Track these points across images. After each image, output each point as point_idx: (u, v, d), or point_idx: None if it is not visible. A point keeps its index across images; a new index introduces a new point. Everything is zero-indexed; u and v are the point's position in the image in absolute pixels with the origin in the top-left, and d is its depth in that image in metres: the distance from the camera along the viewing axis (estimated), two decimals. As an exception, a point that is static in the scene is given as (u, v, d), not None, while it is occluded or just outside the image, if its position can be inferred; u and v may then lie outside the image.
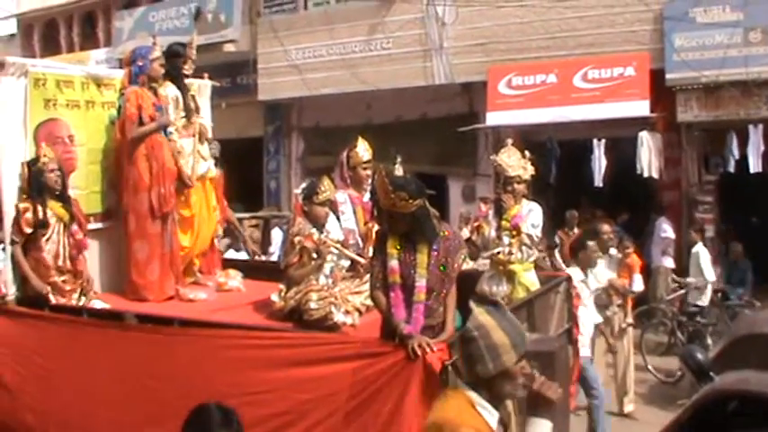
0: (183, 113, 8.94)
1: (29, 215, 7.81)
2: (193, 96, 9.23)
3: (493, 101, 17.36)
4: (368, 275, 7.01)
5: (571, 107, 16.38)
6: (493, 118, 17.34)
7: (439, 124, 18.39)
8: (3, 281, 8.11)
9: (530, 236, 8.08)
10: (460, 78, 17.99)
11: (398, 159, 8.39)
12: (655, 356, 13.25)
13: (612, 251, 10.95)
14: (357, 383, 5.70)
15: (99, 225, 8.76)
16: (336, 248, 7.60)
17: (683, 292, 14.45)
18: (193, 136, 8.98)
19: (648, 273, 14.58)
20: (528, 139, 15.67)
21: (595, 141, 16.12)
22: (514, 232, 8.09)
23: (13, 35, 28.44)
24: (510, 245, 8.07)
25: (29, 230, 7.82)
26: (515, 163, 8.28)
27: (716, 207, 16.29)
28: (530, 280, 8.07)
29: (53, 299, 7.83)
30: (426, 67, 18.20)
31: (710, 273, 12.89)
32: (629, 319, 11.03)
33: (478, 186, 18.25)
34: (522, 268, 8.04)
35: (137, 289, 8.46)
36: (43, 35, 26.96)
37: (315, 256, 7.40)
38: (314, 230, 7.50)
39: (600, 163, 16.09)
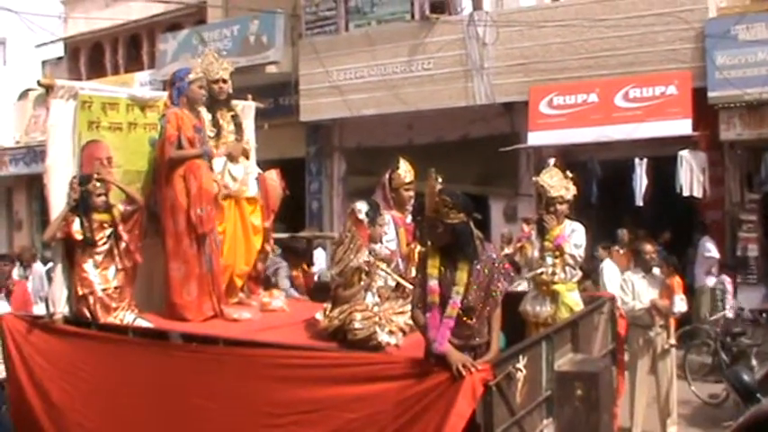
0: (210, 133, 8.98)
1: (76, 226, 8.04)
2: (234, 117, 9.28)
3: (534, 121, 17.32)
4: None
5: (613, 126, 16.28)
6: (534, 138, 17.30)
7: (480, 144, 18.37)
8: (51, 300, 8.29)
9: (573, 256, 8.14)
10: (501, 98, 17.94)
11: (439, 180, 8.45)
12: (698, 377, 13.12)
13: (655, 270, 10.89)
14: (402, 403, 5.76)
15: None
16: (384, 270, 7.64)
17: (727, 312, 14.37)
18: (226, 156, 9.03)
19: (692, 292, 14.47)
20: (569, 158, 15.65)
21: (637, 160, 15.97)
22: (557, 252, 8.16)
23: (60, 58, 28.90)
24: (553, 265, 8.13)
25: (80, 237, 8.01)
26: (557, 183, 8.34)
27: (759, 226, 16.10)
28: (573, 300, 8.13)
29: (100, 317, 7.98)
30: (467, 87, 18.17)
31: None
32: (672, 340, 10.93)
33: (520, 206, 18.20)
34: (565, 288, 8.09)
35: (174, 309, 8.53)
36: (89, 58, 27.39)
37: (364, 276, 7.46)
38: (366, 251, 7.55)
39: (641, 182, 15.96)
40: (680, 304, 10.82)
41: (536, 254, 8.31)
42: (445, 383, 5.56)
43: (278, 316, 8.66)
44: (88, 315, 8.07)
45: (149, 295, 8.77)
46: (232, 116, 9.21)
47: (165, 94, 9.05)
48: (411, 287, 7.50)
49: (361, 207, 7.60)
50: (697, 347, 13.81)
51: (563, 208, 8.36)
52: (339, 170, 21.69)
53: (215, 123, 9.03)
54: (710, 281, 15.47)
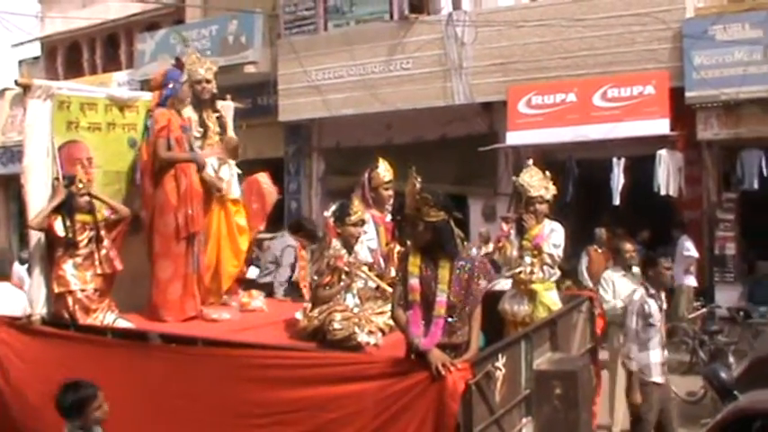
0: (197, 134, 8.96)
1: (59, 224, 7.99)
2: (219, 117, 9.22)
3: (512, 120, 17.38)
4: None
5: (591, 126, 16.36)
6: (512, 137, 17.36)
7: (459, 144, 18.42)
8: (29, 300, 8.26)
9: (551, 255, 8.16)
10: (480, 98, 18.02)
11: (418, 179, 8.44)
12: (676, 375, 13.16)
13: (635, 269, 10.92)
14: (381, 402, 5.77)
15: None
16: (364, 273, 7.69)
17: (704, 310, 14.44)
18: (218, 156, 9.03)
19: (671, 291, 14.51)
20: (548, 158, 15.71)
21: (615, 160, 16.05)
22: (536, 252, 8.17)
23: (36, 58, 28.80)
24: (532, 264, 8.14)
25: (62, 234, 7.98)
26: (537, 183, 8.37)
27: (736, 225, 16.19)
28: (551, 299, 8.14)
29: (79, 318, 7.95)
30: (446, 87, 18.22)
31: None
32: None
33: (499, 206, 18.23)
34: (543, 288, 8.11)
35: (156, 308, 8.51)
36: (66, 57, 27.31)
37: (344, 277, 7.48)
38: (344, 252, 7.58)
39: (618, 181, 16.04)
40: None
41: (515, 253, 8.31)
42: (425, 382, 5.56)
43: (257, 316, 8.65)
44: (67, 316, 8.00)
45: (130, 295, 8.68)
46: (217, 117, 9.16)
47: (144, 94, 9.06)
48: (390, 289, 7.54)
49: (331, 207, 7.80)
50: (675, 345, 13.86)
51: (542, 207, 8.37)
52: (318, 170, 21.70)
53: (201, 123, 9.00)
54: (689, 280, 15.54)
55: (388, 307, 7.06)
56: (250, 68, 20.77)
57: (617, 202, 16.07)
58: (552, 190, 8.44)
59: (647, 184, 15.66)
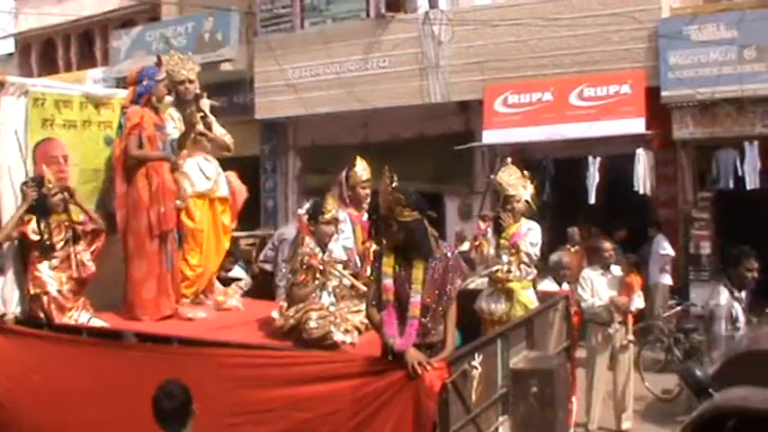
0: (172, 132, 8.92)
1: (32, 228, 7.92)
2: (204, 117, 9.12)
3: (489, 119, 17.38)
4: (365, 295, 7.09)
5: (567, 125, 16.37)
6: (489, 136, 17.35)
7: (435, 142, 18.39)
8: (2, 300, 8.11)
9: (528, 254, 8.18)
10: (456, 97, 18.04)
11: (394, 178, 8.44)
12: (652, 373, 13.22)
13: (613, 268, 10.97)
14: (357, 402, 5.75)
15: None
16: (337, 271, 7.66)
17: (680, 309, 14.49)
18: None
19: (646, 289, 14.57)
20: (524, 157, 15.74)
21: (590, 159, 16.07)
22: (513, 250, 8.19)
23: (10, 54, 28.64)
24: (509, 263, 8.16)
25: (35, 237, 7.90)
26: (515, 182, 8.40)
27: (712, 224, 16.27)
28: (528, 298, 8.16)
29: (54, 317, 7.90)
30: (422, 85, 18.22)
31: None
32: (630, 336, 11.01)
33: (475, 204, 18.24)
34: (520, 286, 8.13)
35: (132, 307, 8.47)
36: (41, 54, 27.14)
37: (318, 275, 7.45)
38: (318, 250, 7.55)
39: (594, 180, 16.08)
40: (638, 301, 10.93)
41: (492, 251, 8.33)
42: (401, 381, 5.55)
43: (233, 315, 8.64)
44: (42, 315, 7.95)
45: (106, 294, 8.63)
46: (201, 116, 9.08)
47: (120, 91, 9.04)
48: (365, 288, 7.52)
49: (305, 205, 7.81)
50: (651, 344, 13.94)
51: (520, 206, 8.40)
52: (294, 168, 21.66)
53: (185, 123, 8.96)
54: (665, 278, 15.61)
55: (364, 306, 7.07)
56: (226, 66, 20.76)
57: (592, 200, 16.09)
58: (530, 189, 8.47)
59: (623, 184, 15.73)
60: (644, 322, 13.89)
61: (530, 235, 8.30)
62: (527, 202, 8.45)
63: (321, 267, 7.47)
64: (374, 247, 8.31)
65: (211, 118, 9.28)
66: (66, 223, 8.13)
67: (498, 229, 8.37)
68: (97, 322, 8.06)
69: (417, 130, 19.06)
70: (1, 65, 27.49)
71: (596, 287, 10.66)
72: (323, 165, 18.77)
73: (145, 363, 6.93)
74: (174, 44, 19.97)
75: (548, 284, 9.90)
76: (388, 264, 5.99)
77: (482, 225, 8.70)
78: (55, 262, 8.03)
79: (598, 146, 16.10)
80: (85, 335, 7.65)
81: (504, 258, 8.19)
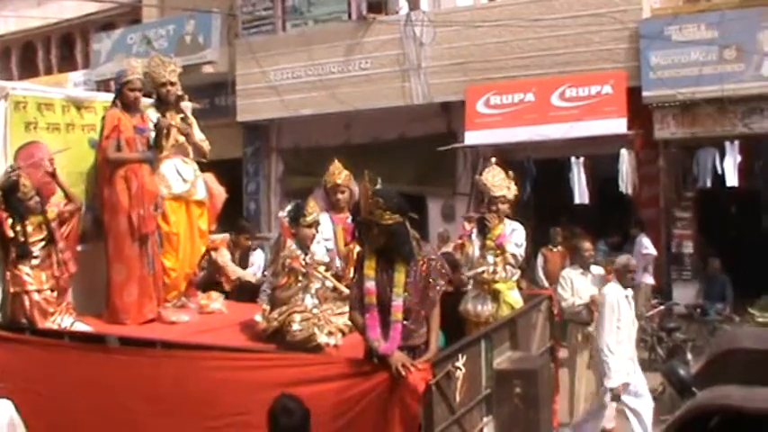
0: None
1: (10, 222, 7.85)
2: (184, 118, 9.07)
3: (471, 120, 17.40)
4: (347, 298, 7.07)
5: (549, 125, 16.41)
6: (471, 137, 17.38)
7: (417, 144, 18.40)
8: None
9: (514, 255, 8.23)
10: (438, 98, 18.04)
11: (378, 180, 8.45)
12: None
13: (593, 268, 11.00)
14: (341, 404, 5.75)
15: (77, 248, 8.62)
16: (320, 274, 7.64)
17: (662, 308, 14.54)
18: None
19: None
20: (506, 157, 15.73)
21: (573, 159, 16.11)
22: (499, 251, 8.23)
23: (-10, 57, 28.40)
24: (495, 264, 8.19)
25: (11, 234, 7.83)
26: (500, 183, 8.44)
27: (694, 223, 16.35)
28: (514, 298, 8.21)
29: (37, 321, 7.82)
30: (404, 87, 18.24)
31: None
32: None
33: (457, 206, 18.27)
34: (506, 287, 8.17)
35: (114, 311, 8.43)
36: (21, 57, 26.96)
37: (301, 278, 7.43)
38: (299, 252, 7.54)
39: (580, 181, 16.10)
40: None
41: (477, 252, 8.36)
42: (385, 383, 5.56)
43: (216, 318, 8.61)
44: (24, 319, 7.88)
45: (90, 298, 8.62)
46: (182, 118, 9.03)
47: (101, 94, 9.02)
48: (347, 290, 7.50)
49: (286, 208, 7.84)
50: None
51: (504, 207, 8.43)
52: (276, 170, 21.60)
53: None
54: (647, 278, 15.65)
55: (347, 308, 7.06)
56: (208, 68, 20.65)
57: (581, 200, 16.12)
58: (514, 190, 8.51)
59: (605, 184, 15.80)
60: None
61: (514, 236, 8.35)
62: (510, 202, 8.49)
63: (304, 270, 7.46)
64: (358, 248, 8.33)
65: (192, 120, 9.25)
66: (44, 224, 8.04)
67: (483, 230, 8.39)
68: (80, 326, 8.00)
69: (400, 131, 19.04)
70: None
71: (576, 287, 10.68)
72: (305, 167, 18.79)
73: (128, 367, 6.87)
74: (155, 46, 19.94)
75: (613, 286, 9.75)
76: (369, 266, 5.99)
77: (467, 226, 8.71)
78: (35, 261, 7.95)
79: (580, 146, 16.13)
80: (68, 339, 7.54)
81: (490, 259, 8.22)
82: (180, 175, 8.89)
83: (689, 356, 11.92)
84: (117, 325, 8.22)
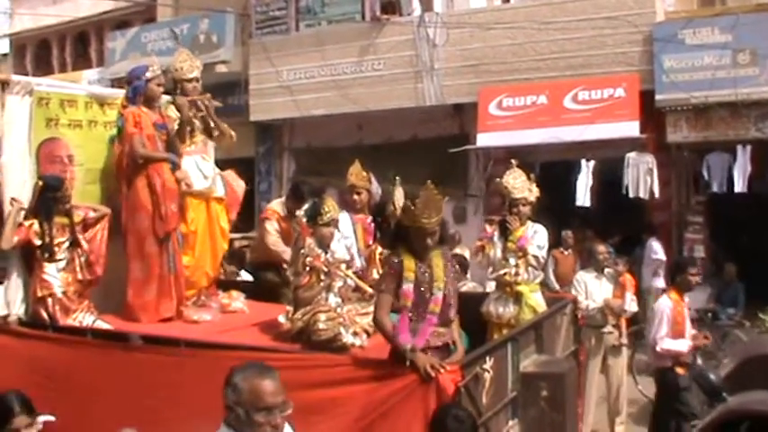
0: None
1: (35, 228, 7.83)
2: (204, 117, 8.99)
3: (483, 122, 17.39)
4: (371, 298, 7.08)
5: (561, 128, 16.40)
6: (483, 139, 17.37)
7: (429, 145, 18.39)
8: (5, 301, 8.01)
9: (536, 257, 8.23)
10: (451, 99, 18.07)
11: (398, 180, 8.49)
12: (645, 376, 13.22)
13: (608, 271, 11.02)
14: (369, 405, 5.73)
15: (103, 251, 8.50)
16: (342, 272, 7.61)
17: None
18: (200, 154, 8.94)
19: (640, 293, 14.60)
20: (518, 160, 15.69)
21: (584, 162, 16.14)
22: (521, 254, 8.21)
23: (5, 55, 28.66)
24: (516, 266, 8.17)
25: (38, 242, 7.83)
26: (521, 185, 8.43)
27: (705, 227, 16.36)
28: (536, 301, 8.17)
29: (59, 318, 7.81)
30: (417, 88, 18.25)
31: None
32: (624, 339, 11.05)
33: (469, 207, 18.31)
34: (528, 289, 8.14)
35: (133, 309, 8.37)
36: (36, 55, 27.07)
37: (323, 276, 7.38)
38: (320, 251, 7.50)
39: (587, 183, 16.11)
40: (631, 303, 10.96)
41: (499, 255, 8.33)
42: (413, 385, 5.53)
43: (238, 317, 8.56)
44: (46, 317, 7.85)
45: (109, 296, 8.56)
46: (201, 116, 8.98)
47: (123, 91, 8.84)
48: (370, 290, 7.49)
49: (304, 207, 7.77)
50: (644, 347, 13.93)
51: (526, 209, 8.43)
52: (289, 170, 21.62)
53: (187, 122, 8.84)
54: (658, 282, 15.64)
55: (372, 308, 7.03)
56: (221, 68, 20.63)
57: (583, 203, 16.13)
58: (536, 192, 8.51)
59: (618, 187, 15.78)
60: (637, 326, 13.91)
61: (536, 238, 8.35)
62: (532, 204, 8.48)
63: (326, 269, 7.41)
64: (380, 249, 8.34)
65: (211, 117, 9.12)
66: (68, 227, 8.04)
67: (505, 233, 8.36)
68: (102, 324, 7.97)
69: (412, 132, 19.08)
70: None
71: (590, 290, 10.71)
72: (317, 167, 18.83)
73: (151, 365, 6.87)
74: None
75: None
76: (409, 269, 5.92)
77: (488, 229, 8.65)
78: (61, 264, 7.96)
79: (592, 149, 16.16)
80: (90, 337, 7.52)
81: (512, 261, 8.20)
82: (201, 172, 8.85)
83: (699, 360, 11.87)
84: (134, 323, 8.16)
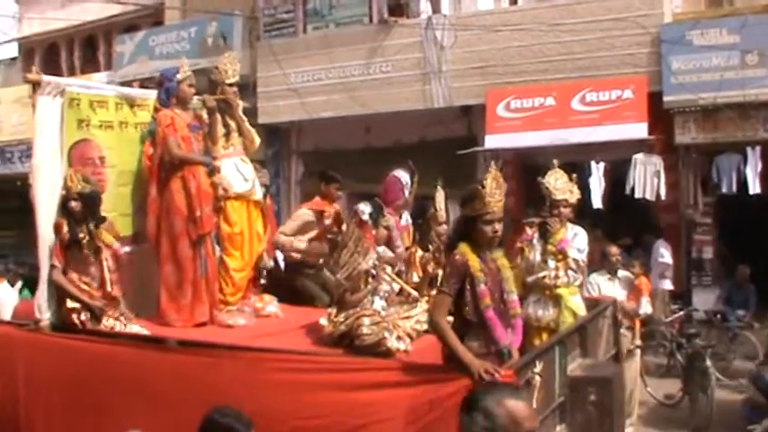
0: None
1: (65, 230, 7.73)
2: (233, 115, 8.96)
3: (491, 124, 17.46)
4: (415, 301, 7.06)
5: (569, 130, 16.46)
6: (491, 141, 17.43)
7: (438, 147, 18.34)
8: (37, 306, 7.87)
9: (576, 260, 8.17)
10: (459, 101, 18.15)
11: (439, 183, 8.49)
12: (654, 378, 13.27)
13: (621, 273, 11.03)
14: (417, 409, 5.66)
15: (127, 248, 8.52)
16: (388, 276, 7.53)
17: (682, 314, 14.58)
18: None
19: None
20: (526, 161, 15.89)
21: (593, 163, 16.15)
22: (560, 256, 8.17)
23: (14, 59, 28.63)
24: (556, 268, 8.13)
25: (67, 235, 7.71)
26: (562, 186, 8.39)
27: (714, 229, 16.43)
28: (576, 304, 8.12)
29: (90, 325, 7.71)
30: (425, 90, 18.32)
31: None
32: (638, 341, 11.05)
33: (478, 209, 18.30)
34: (568, 292, 8.09)
35: (166, 314, 8.25)
36: (44, 59, 26.92)
37: (370, 280, 7.29)
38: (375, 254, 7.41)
39: (600, 185, 16.15)
40: (646, 306, 10.98)
41: (538, 257, 8.27)
42: (466, 390, 5.21)
43: (273, 322, 8.42)
44: (77, 322, 7.73)
45: (142, 300, 8.46)
46: (240, 117, 8.98)
47: (154, 92, 8.81)
48: (415, 293, 7.46)
49: (365, 209, 7.49)
50: (653, 348, 14.02)
51: (567, 211, 8.39)
52: (297, 173, 21.68)
53: (225, 124, 8.82)
54: (665, 284, 15.70)
55: (415, 311, 7.03)
56: (229, 70, 20.58)
57: (598, 205, 16.16)
58: (576, 194, 8.47)
59: (619, 188, 15.85)
60: (646, 327, 13.94)
61: (576, 240, 8.29)
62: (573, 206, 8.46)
63: (374, 272, 7.31)
64: (420, 252, 8.33)
65: (241, 119, 9.10)
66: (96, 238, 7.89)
67: (544, 235, 8.32)
68: (135, 329, 7.86)
69: (420, 134, 19.06)
70: (4, 69, 27.50)
71: (603, 292, 10.65)
72: (325, 169, 18.75)
73: (188, 369, 6.80)
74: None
75: None
76: (477, 268, 5.82)
77: (528, 231, 8.60)
78: (86, 279, 7.83)
79: (600, 151, 16.20)
80: (123, 341, 7.42)
81: (552, 264, 8.15)
82: (241, 174, 8.78)
83: (708, 363, 11.93)
84: (167, 327, 8.03)
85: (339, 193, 9.69)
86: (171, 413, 6.75)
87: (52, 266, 7.74)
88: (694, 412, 11.59)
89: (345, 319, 7.02)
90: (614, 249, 11.14)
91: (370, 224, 7.54)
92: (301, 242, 9.25)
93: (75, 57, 26.45)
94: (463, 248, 5.89)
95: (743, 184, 15.36)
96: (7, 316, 9.93)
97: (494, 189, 5.81)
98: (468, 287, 5.82)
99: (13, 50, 28.68)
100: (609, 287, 10.74)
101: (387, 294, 7.48)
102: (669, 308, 15.33)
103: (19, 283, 14.38)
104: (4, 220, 24.71)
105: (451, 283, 5.83)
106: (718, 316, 14.93)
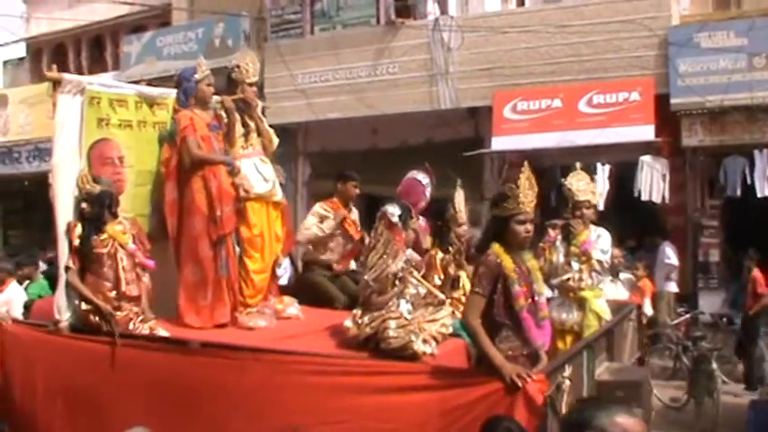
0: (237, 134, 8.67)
1: (78, 230, 7.68)
2: (252, 115, 8.90)
3: (498, 125, 17.47)
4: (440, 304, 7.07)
5: (576, 132, 16.49)
6: (498, 143, 17.45)
7: (444, 149, 18.26)
8: (56, 307, 7.81)
9: (600, 262, 8.14)
10: (466, 103, 18.15)
11: (459, 182, 8.48)
12: (660, 381, 13.25)
13: (623, 274, 11.01)
14: (447, 413, 5.62)
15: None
16: (415, 279, 7.46)
17: (688, 317, 14.62)
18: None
19: (653, 297, 14.66)
20: (533, 163, 15.81)
21: (599, 165, 16.12)
22: (584, 258, 8.14)
23: (21, 59, 28.59)
24: (580, 271, 8.11)
25: (77, 242, 7.63)
26: (585, 187, 8.37)
27: (721, 232, 16.43)
28: (600, 307, 8.09)
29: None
30: (432, 91, 18.33)
31: None
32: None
33: (484, 211, 18.29)
34: (592, 294, 8.07)
35: (186, 315, 8.15)
36: (52, 59, 26.67)
37: (397, 282, 7.20)
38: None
39: (604, 187, 16.13)
40: (647, 307, 10.98)
41: (561, 259, 8.24)
42: (497, 394, 5.39)
43: (295, 324, 8.32)
44: (95, 323, 7.61)
45: (162, 300, 8.27)
46: (258, 117, 8.94)
47: (173, 92, 8.72)
48: (441, 296, 7.44)
49: (394, 210, 7.34)
50: (659, 352, 14.04)
51: (589, 213, 8.37)
52: (304, 174, 21.65)
53: (244, 124, 8.76)
54: (670, 286, 15.73)
55: (440, 314, 7.00)
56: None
57: (600, 207, 16.13)
58: (599, 195, 8.44)
59: (633, 191, 15.85)
60: (651, 330, 13.96)
61: (600, 242, 8.25)
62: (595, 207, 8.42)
63: (400, 274, 7.21)
64: (440, 255, 8.31)
65: (260, 119, 9.02)
66: (112, 240, 7.79)
67: (568, 237, 8.29)
68: (159, 332, 7.77)
69: (426, 136, 19.06)
70: (12, 69, 27.47)
71: (606, 294, 10.68)
72: (332, 170, 18.60)
73: (211, 371, 6.77)
74: (173, 45, 19.94)
75: None
76: (511, 269, 5.77)
77: (552, 233, 8.56)
78: (101, 280, 7.73)
79: (607, 153, 16.17)
80: (144, 343, 7.39)
81: (575, 266, 8.13)
82: (261, 174, 8.70)
83: (714, 366, 11.96)
84: (188, 329, 7.94)
85: (356, 191, 9.60)
86: (192, 415, 6.78)
87: (67, 268, 7.69)
88: (700, 415, 11.63)
89: (371, 321, 6.95)
90: (616, 251, 11.07)
91: (400, 226, 7.40)
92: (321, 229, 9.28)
93: (82, 57, 26.44)
94: (496, 249, 5.85)
95: (750, 187, 15.36)
96: (18, 315, 9.88)
97: (526, 189, 5.79)
98: (500, 288, 5.78)
99: (20, 51, 28.72)
100: (611, 289, 10.68)
101: (413, 298, 7.36)
102: (675, 311, 15.34)
103: (26, 282, 14.29)
104: (12, 219, 24.70)
105: (485, 284, 5.77)
106: (725, 319, 14.96)
